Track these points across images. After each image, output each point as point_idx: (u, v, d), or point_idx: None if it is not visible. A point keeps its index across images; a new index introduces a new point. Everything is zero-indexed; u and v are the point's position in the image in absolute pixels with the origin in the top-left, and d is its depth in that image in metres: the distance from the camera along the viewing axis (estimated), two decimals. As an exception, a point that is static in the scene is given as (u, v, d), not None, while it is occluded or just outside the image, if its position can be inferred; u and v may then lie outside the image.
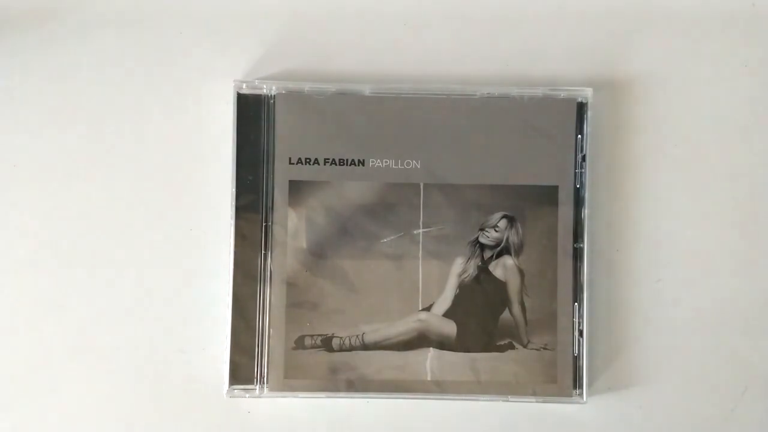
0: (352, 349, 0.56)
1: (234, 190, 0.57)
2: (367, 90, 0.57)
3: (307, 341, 0.56)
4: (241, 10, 0.59)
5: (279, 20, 0.59)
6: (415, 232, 0.57)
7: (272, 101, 0.57)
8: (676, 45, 0.59)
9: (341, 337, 0.56)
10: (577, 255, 0.57)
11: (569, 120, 0.57)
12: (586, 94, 0.57)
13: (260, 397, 0.56)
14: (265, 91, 0.57)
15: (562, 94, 0.57)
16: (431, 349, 0.57)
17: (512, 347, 0.57)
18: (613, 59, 0.59)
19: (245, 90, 0.57)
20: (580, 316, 0.56)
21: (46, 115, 0.58)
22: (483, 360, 0.56)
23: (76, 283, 0.58)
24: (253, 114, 0.57)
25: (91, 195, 0.58)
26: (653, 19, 0.59)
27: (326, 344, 0.56)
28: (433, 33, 0.59)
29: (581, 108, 0.57)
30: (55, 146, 0.58)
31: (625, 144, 0.58)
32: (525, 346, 0.57)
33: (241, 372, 0.56)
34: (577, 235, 0.57)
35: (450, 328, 0.57)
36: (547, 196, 0.57)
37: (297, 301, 0.56)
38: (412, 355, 0.56)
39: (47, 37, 0.58)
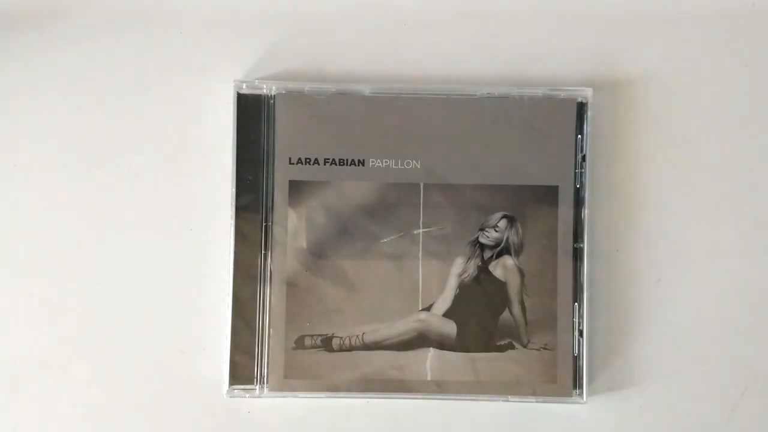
0: (352, 349, 0.56)
1: (234, 190, 0.57)
2: (367, 90, 0.57)
3: (307, 341, 0.56)
4: (241, 10, 0.59)
5: (279, 20, 0.59)
6: (415, 232, 0.57)
7: (272, 101, 0.57)
8: (675, 45, 0.59)
9: (341, 337, 0.56)
10: (577, 255, 0.57)
11: (569, 120, 0.57)
12: (586, 94, 0.57)
13: (260, 397, 0.56)
14: (265, 91, 0.57)
15: (562, 94, 0.57)
16: (431, 349, 0.57)
17: (512, 347, 0.57)
18: (613, 59, 0.59)
19: (245, 90, 0.57)
20: (580, 316, 0.56)
21: (46, 115, 0.58)
22: (483, 360, 0.56)
23: (76, 283, 0.58)
24: (253, 114, 0.57)
25: (90, 195, 0.58)
26: (653, 19, 0.59)
27: (326, 344, 0.56)
28: (433, 33, 0.59)
29: (581, 108, 0.57)
30: (55, 146, 0.58)
31: (625, 144, 0.58)
32: (525, 346, 0.56)
33: (241, 372, 0.56)
34: (577, 235, 0.57)
35: (450, 328, 0.57)
36: (547, 196, 0.57)
37: (297, 301, 0.56)
38: (412, 355, 0.56)
39: (47, 37, 0.58)
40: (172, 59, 0.59)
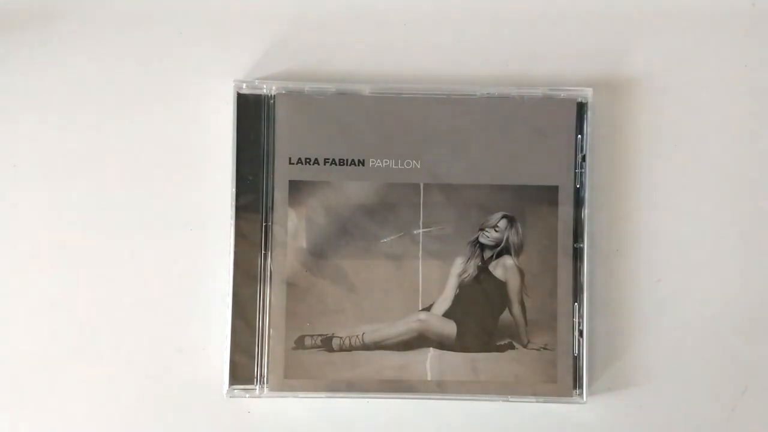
0: (352, 349, 0.56)
1: (234, 190, 0.56)
2: (367, 90, 0.57)
3: (307, 341, 0.56)
4: (241, 10, 0.59)
5: (279, 20, 0.59)
6: (415, 232, 0.57)
7: (272, 101, 0.57)
8: (676, 45, 0.59)
9: (341, 337, 0.56)
10: (577, 255, 0.57)
11: (569, 120, 0.57)
12: (586, 94, 0.57)
13: (260, 397, 0.56)
14: (265, 91, 0.57)
15: (562, 94, 0.57)
16: (431, 349, 0.57)
17: (512, 347, 0.56)
18: (613, 59, 0.59)
19: (245, 90, 0.57)
20: (580, 316, 0.56)
21: (46, 115, 0.58)
22: (483, 360, 0.56)
23: (76, 283, 0.58)
24: (253, 114, 0.57)
25: (90, 195, 0.58)
26: (653, 19, 0.59)
27: (326, 344, 0.56)
28: (433, 33, 0.59)
29: (581, 108, 0.57)
30: (55, 146, 0.58)
31: (625, 144, 0.58)
32: (525, 346, 0.56)
33: (241, 372, 0.56)
34: (577, 235, 0.57)
35: (450, 328, 0.57)
36: (547, 196, 0.57)
37: (297, 301, 0.56)
38: (412, 355, 0.56)
39: (47, 37, 0.58)
40: (172, 59, 0.59)
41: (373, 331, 0.56)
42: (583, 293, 0.57)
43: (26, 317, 0.58)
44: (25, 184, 0.58)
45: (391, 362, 0.56)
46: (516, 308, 0.57)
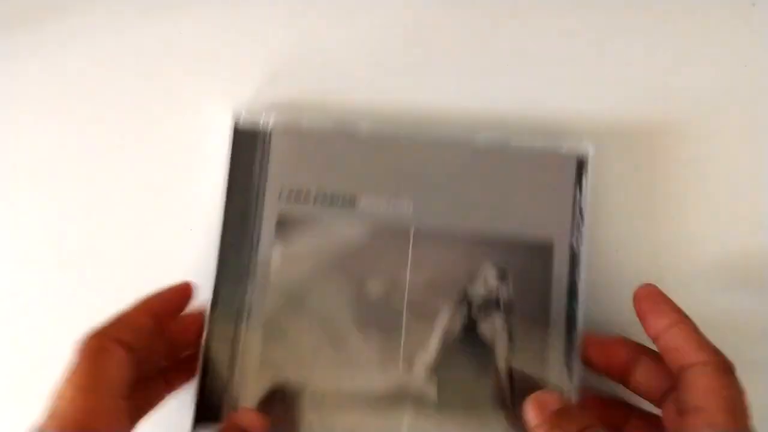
0: (324, 404, 0.53)
1: (222, 218, 0.55)
2: (364, 129, 0.57)
3: (279, 390, 0.53)
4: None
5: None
6: (401, 278, 0.54)
7: (269, 134, 0.57)
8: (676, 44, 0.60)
9: (314, 390, 0.53)
10: (571, 316, 0.53)
11: (568, 174, 0.55)
12: (587, 148, 0.56)
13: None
14: (261, 123, 0.57)
15: (563, 149, 0.56)
16: (410, 409, 0.53)
17: (498, 409, 0.52)
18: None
19: (242, 122, 0.56)
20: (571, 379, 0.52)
21: (46, 116, 0.60)
22: (465, 424, 0.52)
23: (75, 284, 0.58)
24: (247, 145, 0.56)
25: (89, 202, 0.59)
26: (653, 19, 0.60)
27: (298, 397, 0.53)
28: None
29: (581, 164, 0.56)
30: (55, 147, 0.60)
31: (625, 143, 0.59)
32: (512, 410, 0.52)
33: (209, 413, 0.53)
34: (571, 294, 0.53)
35: (431, 387, 0.53)
36: (542, 251, 0.54)
37: (273, 345, 0.54)
38: (388, 415, 0.52)
39: (47, 36, 0.61)
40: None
41: (349, 384, 0.53)
42: (575, 361, 0.53)
43: (26, 317, 0.58)
44: (25, 184, 0.60)
45: (365, 422, 0.52)
46: (503, 370, 0.53)
